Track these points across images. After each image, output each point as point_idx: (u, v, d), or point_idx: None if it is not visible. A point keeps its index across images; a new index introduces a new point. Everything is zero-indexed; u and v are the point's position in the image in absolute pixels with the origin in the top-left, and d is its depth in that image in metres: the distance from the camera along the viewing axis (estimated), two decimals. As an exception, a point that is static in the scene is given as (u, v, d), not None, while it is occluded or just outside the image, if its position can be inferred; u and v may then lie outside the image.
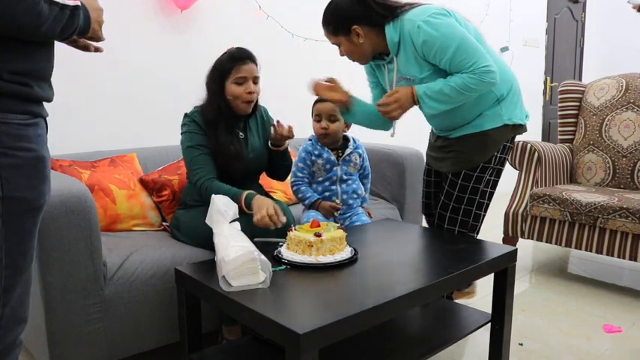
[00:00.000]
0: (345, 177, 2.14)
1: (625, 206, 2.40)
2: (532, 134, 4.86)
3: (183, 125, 1.86)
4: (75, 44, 1.10)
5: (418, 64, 1.70)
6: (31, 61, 0.95)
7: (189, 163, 1.81)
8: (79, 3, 0.99)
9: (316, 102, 2.09)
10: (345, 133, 2.17)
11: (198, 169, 1.77)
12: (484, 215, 1.95)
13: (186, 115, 1.87)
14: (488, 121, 1.79)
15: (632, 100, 2.86)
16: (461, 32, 1.62)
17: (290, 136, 1.89)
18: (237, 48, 1.85)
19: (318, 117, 2.08)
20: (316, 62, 3.12)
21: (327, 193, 2.11)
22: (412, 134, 3.74)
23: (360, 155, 2.19)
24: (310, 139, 2.15)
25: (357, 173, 2.20)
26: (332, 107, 2.00)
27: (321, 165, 2.11)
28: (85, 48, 1.13)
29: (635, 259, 2.39)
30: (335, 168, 2.12)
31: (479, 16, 4.30)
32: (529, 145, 2.84)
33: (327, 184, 2.13)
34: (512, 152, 2.89)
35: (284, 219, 1.60)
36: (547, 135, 5.50)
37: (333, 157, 2.11)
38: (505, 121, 1.79)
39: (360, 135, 2.27)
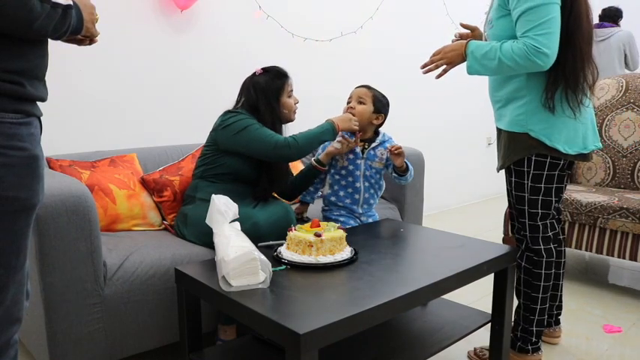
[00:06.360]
0: (367, 173, 2.13)
1: (625, 206, 2.40)
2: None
3: (230, 117, 1.88)
4: (69, 40, 1.10)
5: (499, 3, 1.64)
6: (23, 59, 0.94)
7: (260, 135, 1.84)
8: (71, 2, 0.98)
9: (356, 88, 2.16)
10: (378, 129, 2.17)
11: (272, 134, 1.86)
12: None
13: (229, 111, 1.92)
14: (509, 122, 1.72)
15: (632, 100, 2.86)
16: (551, 5, 1.51)
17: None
18: (272, 66, 1.98)
19: (350, 99, 2.14)
20: (316, 62, 3.12)
21: (349, 190, 2.11)
22: (412, 134, 3.74)
23: (386, 149, 2.14)
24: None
25: (382, 170, 2.17)
26: (364, 92, 2.11)
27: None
28: (80, 41, 1.12)
29: (635, 259, 2.39)
30: (359, 162, 2.12)
31: (478, 16, 4.30)
32: (529, 145, 2.83)
33: (350, 179, 2.12)
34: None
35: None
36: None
37: (358, 149, 2.12)
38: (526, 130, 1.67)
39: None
